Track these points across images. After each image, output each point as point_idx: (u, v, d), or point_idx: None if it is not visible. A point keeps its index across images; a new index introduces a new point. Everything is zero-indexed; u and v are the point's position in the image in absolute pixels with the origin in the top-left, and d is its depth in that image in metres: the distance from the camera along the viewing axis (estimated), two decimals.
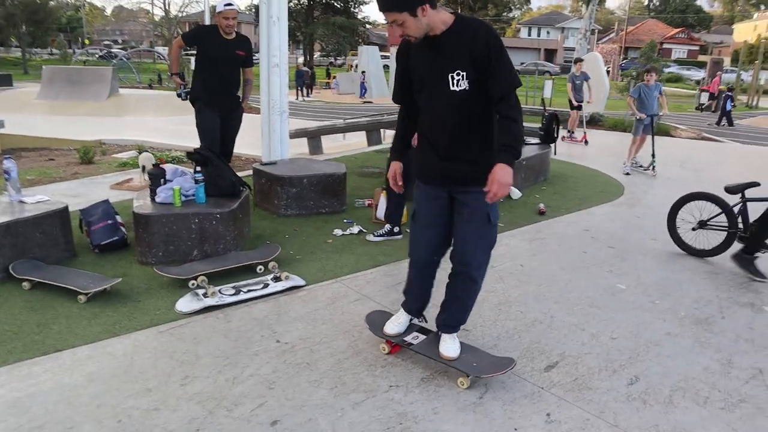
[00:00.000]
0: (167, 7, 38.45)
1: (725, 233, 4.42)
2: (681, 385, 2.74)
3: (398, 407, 2.46)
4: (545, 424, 2.39)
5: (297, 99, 23.50)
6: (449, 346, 2.71)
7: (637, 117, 7.97)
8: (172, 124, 13.14)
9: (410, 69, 2.53)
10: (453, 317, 2.76)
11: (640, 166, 8.18)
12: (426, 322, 2.99)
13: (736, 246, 4.34)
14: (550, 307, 3.53)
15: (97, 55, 40.44)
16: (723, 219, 4.46)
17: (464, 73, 2.34)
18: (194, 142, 5.20)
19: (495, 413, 2.45)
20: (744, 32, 58.01)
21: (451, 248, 2.65)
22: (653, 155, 7.94)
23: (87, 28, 57.91)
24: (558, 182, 7.06)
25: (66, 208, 3.99)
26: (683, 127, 14.70)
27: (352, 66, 34.16)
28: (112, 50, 42.99)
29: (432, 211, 2.63)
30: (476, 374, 2.60)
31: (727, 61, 39.59)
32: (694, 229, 4.65)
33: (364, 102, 23.16)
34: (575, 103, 11.09)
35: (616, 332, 3.23)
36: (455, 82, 2.35)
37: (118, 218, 4.22)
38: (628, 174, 7.87)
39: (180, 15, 39.90)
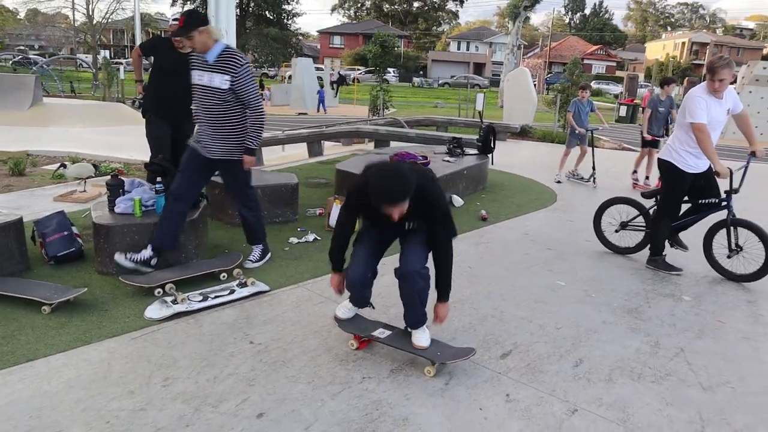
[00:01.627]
0: (90, 13, 36.84)
1: (643, 232, 4.93)
2: (618, 364, 3.10)
3: (373, 396, 2.67)
4: (506, 403, 2.67)
5: None
6: (421, 336, 2.99)
7: (576, 131, 8.41)
8: (102, 135, 12.79)
9: (365, 214, 3.00)
10: (412, 316, 3.01)
11: (582, 178, 8.55)
12: (374, 308, 3.29)
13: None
14: (500, 304, 3.85)
15: (11, 61, 38.22)
16: (641, 220, 4.98)
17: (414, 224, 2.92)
18: (129, 153, 5.22)
19: (461, 396, 2.70)
20: (654, 50, 62.57)
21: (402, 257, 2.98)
22: (593, 167, 8.37)
23: None
24: (496, 190, 7.50)
25: (20, 220, 3.94)
26: (605, 138, 15.76)
27: (285, 77, 34.10)
28: (29, 56, 40.77)
29: (376, 233, 3.06)
30: (441, 361, 2.86)
31: (641, 77, 42.48)
32: (617, 230, 5.14)
33: (299, 114, 23.22)
34: (649, 138, 8.31)
35: (560, 323, 3.59)
36: (409, 226, 2.92)
37: (74, 229, 4.19)
38: (559, 182, 8.43)
39: (105, 21, 38.48)
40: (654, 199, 4.83)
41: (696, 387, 2.94)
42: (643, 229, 4.95)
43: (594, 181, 8.36)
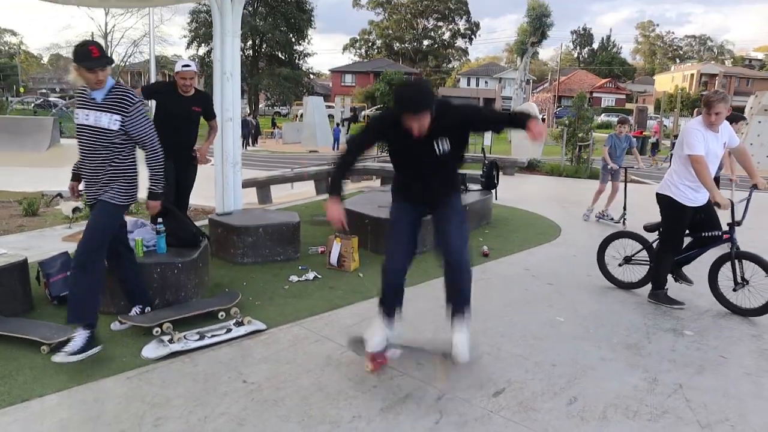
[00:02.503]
0: (109, 57, 38.11)
1: (647, 266, 4.90)
2: (614, 402, 3.06)
3: None
4: None
5: (242, 149, 23.71)
6: (464, 346, 3.10)
7: (609, 167, 8.01)
8: None
9: (392, 140, 3.12)
10: (455, 302, 3.18)
11: (611, 219, 8.10)
12: (401, 317, 3.39)
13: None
14: (497, 341, 3.83)
15: (33, 104, 39.42)
16: (644, 254, 4.95)
17: (447, 141, 3.05)
18: (141, 194, 5.33)
19: None
20: (663, 83, 62.87)
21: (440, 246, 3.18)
22: (624, 207, 7.91)
23: (22, 76, 56.44)
24: (500, 226, 7.52)
25: (25, 261, 4.04)
26: None
27: (297, 116, 34.76)
28: (50, 99, 42.03)
29: (407, 222, 3.23)
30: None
31: (651, 109, 42.64)
32: (620, 265, 5.11)
33: (310, 151, 23.57)
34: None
35: (556, 360, 3.56)
36: (440, 148, 3.03)
37: None
38: (586, 220, 8.17)
39: (123, 65, 39.68)
40: (657, 232, 4.82)
41: (694, 425, 2.89)
42: (647, 263, 4.92)
43: (624, 222, 7.85)
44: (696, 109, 40.16)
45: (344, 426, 2.73)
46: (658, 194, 4.61)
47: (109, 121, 3.43)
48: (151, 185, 3.69)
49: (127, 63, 40.28)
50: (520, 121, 3.03)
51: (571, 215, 8.53)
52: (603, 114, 46.39)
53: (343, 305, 4.42)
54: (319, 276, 5.08)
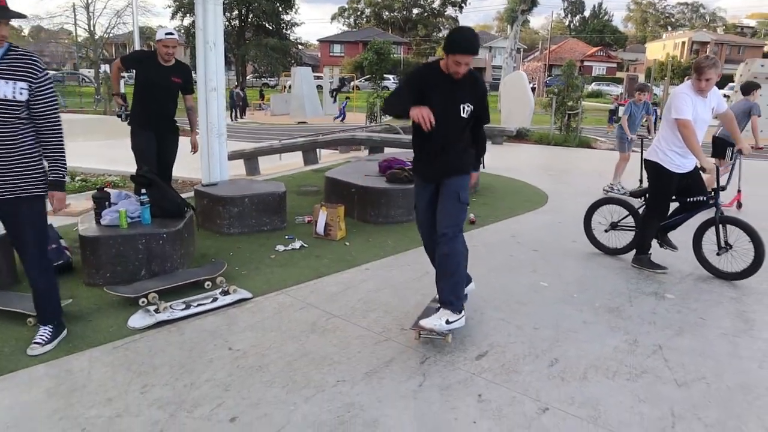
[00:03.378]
0: (92, 29, 37.21)
1: (633, 232, 4.95)
2: (594, 363, 3.13)
3: (346, 398, 2.71)
4: (477, 403, 2.71)
5: (231, 121, 23.45)
6: (431, 316, 3.25)
7: (628, 137, 7.89)
8: (104, 149, 12.92)
9: (427, 93, 3.18)
10: (444, 291, 3.28)
11: (624, 190, 7.77)
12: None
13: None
14: (480, 305, 3.88)
15: None
16: (630, 220, 5.00)
17: (471, 106, 3.26)
18: (129, 166, 5.28)
19: (433, 398, 2.74)
20: (655, 51, 62.46)
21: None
22: (641, 180, 7.63)
23: None
24: (487, 194, 7.53)
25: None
26: (602, 139, 15.79)
27: (285, 87, 34.32)
28: None
29: (428, 199, 3.45)
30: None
31: (641, 77, 42.45)
32: (606, 231, 5.17)
33: (299, 123, 23.37)
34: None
35: (538, 323, 3.62)
36: (465, 111, 3.23)
37: (63, 242, 4.27)
38: (608, 191, 7.91)
39: (106, 36, 38.83)
40: (642, 198, 4.85)
41: (671, 383, 2.96)
42: (633, 229, 4.97)
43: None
44: (687, 77, 40.08)
45: (328, 390, 2.78)
46: (646, 160, 4.62)
47: (14, 90, 2.81)
48: (57, 172, 3.03)
49: (111, 35, 39.34)
50: (478, 158, 3.65)
51: (559, 183, 8.57)
52: (593, 83, 46.18)
53: (328, 273, 4.44)
54: (306, 245, 5.10)
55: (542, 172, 9.21)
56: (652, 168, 4.55)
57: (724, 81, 30.10)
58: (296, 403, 2.66)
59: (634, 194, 4.89)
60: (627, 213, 5.04)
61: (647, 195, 4.71)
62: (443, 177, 3.33)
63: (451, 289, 3.25)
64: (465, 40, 3.08)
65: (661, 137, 4.51)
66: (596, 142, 14.77)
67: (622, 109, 24.62)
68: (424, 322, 3.19)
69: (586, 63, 58.07)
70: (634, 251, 4.83)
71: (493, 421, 2.57)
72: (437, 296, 3.39)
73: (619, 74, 55.21)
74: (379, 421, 2.54)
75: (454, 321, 3.20)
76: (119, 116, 5.18)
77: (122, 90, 5.44)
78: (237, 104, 25.03)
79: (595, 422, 2.60)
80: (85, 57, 42.02)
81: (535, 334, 3.47)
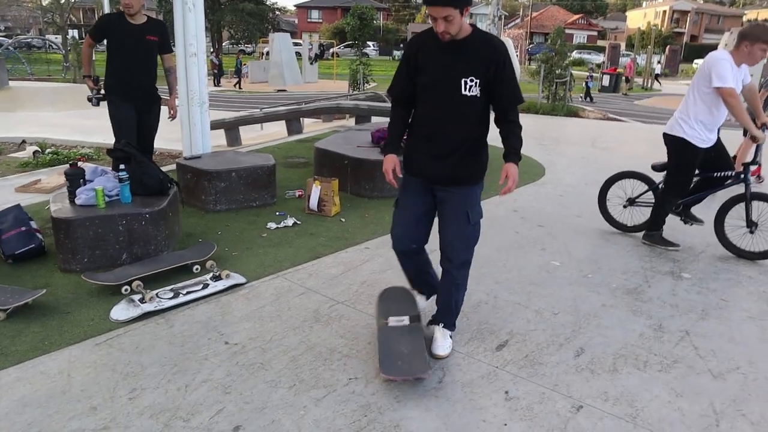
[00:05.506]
0: None
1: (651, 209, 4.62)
2: (622, 352, 2.91)
3: (361, 399, 2.44)
4: (505, 401, 2.46)
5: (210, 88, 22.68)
6: (440, 345, 2.80)
7: None
8: (75, 119, 12.27)
9: (419, 67, 2.55)
10: (443, 313, 2.86)
11: None
12: (427, 298, 3.16)
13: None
14: (492, 288, 3.63)
15: None
16: (650, 195, 4.68)
17: (477, 81, 2.45)
18: (102, 137, 4.86)
19: (456, 396, 2.49)
20: (636, 19, 62.20)
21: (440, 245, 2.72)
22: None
23: None
24: (495, 169, 7.23)
25: None
26: (590, 108, 15.56)
27: (262, 54, 33.31)
28: None
29: (415, 201, 2.70)
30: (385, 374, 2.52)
31: (623, 46, 42.22)
32: (624, 206, 4.84)
33: (278, 90, 22.70)
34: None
35: (557, 307, 3.38)
36: (467, 87, 2.46)
37: (33, 224, 3.88)
38: None
39: (73, 0, 37.09)
40: (664, 172, 4.54)
41: (706, 374, 2.75)
42: (653, 205, 4.62)
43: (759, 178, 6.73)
44: (668, 46, 39.89)
45: (340, 390, 2.50)
46: (666, 135, 4.30)
47: None
48: None
49: None
50: (510, 148, 2.61)
51: (553, 153, 8.31)
52: (575, 51, 45.80)
53: (326, 253, 4.14)
54: (299, 222, 4.78)
55: (534, 142, 8.93)
56: (677, 144, 4.20)
57: (705, 50, 30.11)
58: (306, 407, 2.38)
59: (656, 168, 4.58)
60: (646, 188, 4.71)
61: (668, 171, 4.44)
62: (442, 182, 2.63)
63: (456, 311, 2.87)
64: None
65: (688, 109, 4.14)
66: (584, 111, 14.53)
67: (606, 78, 24.41)
68: (442, 353, 2.80)
69: (567, 30, 57.43)
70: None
71: (525, 422, 2.33)
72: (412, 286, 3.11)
73: (600, 42, 54.93)
74: (401, 425, 2.28)
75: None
76: (90, 100, 4.69)
77: (94, 73, 4.89)
78: (213, 72, 24.22)
79: (633, 421, 2.38)
80: (51, 22, 40.18)
81: (555, 320, 3.23)
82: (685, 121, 4.15)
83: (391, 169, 2.69)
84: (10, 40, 31.43)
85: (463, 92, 2.47)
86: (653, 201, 4.64)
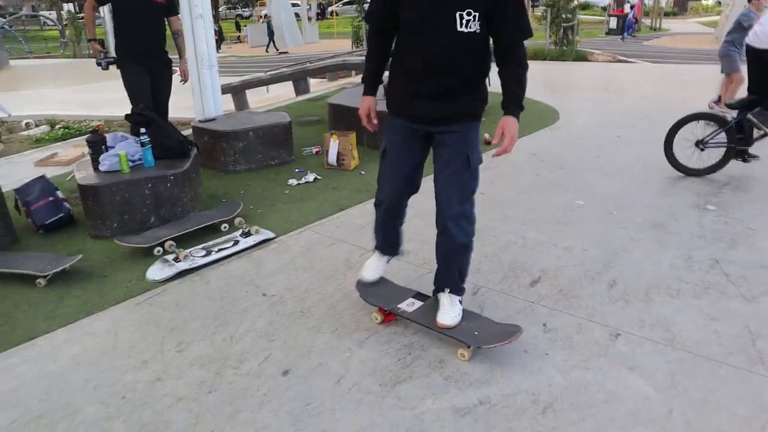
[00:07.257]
0: None
1: (724, 149, 4.50)
2: (654, 282, 2.93)
3: (403, 339, 2.50)
4: (544, 333, 2.51)
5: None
6: (446, 312, 2.43)
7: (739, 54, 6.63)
8: (79, 94, 12.20)
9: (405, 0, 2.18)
10: (443, 278, 2.52)
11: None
12: (403, 255, 2.81)
13: (733, 162, 4.53)
14: (520, 228, 3.64)
15: None
16: (723, 137, 4.52)
17: (476, 14, 2.09)
18: (108, 110, 4.83)
19: None
20: None
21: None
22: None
23: None
24: (496, 113, 7.11)
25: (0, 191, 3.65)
26: (599, 51, 15.23)
27: (261, 17, 32.65)
28: None
29: (404, 148, 2.40)
30: (478, 345, 2.32)
31: None
32: (700, 149, 4.61)
33: (280, 53, 22.36)
34: None
35: (585, 244, 3.40)
36: (464, 22, 2.09)
37: (59, 194, 3.91)
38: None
39: None
40: (739, 109, 4.45)
41: (738, 298, 2.78)
42: (725, 145, 4.48)
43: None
44: None
45: (382, 332, 2.56)
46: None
47: None
48: None
49: None
50: (510, 95, 2.25)
51: (565, 99, 8.19)
52: None
53: (350, 205, 4.16)
54: (319, 177, 4.79)
55: (545, 88, 8.79)
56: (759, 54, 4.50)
57: None
58: (351, 349, 2.44)
59: (731, 106, 4.46)
60: (717, 128, 4.54)
61: (754, 87, 4.53)
62: (436, 123, 2.30)
63: (462, 274, 2.50)
64: None
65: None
66: (593, 55, 14.23)
67: (614, 20, 23.76)
68: (449, 322, 2.44)
69: None
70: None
71: (566, 351, 2.38)
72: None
73: None
74: (446, 360, 2.34)
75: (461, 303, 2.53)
76: (99, 64, 4.62)
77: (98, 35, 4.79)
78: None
79: (671, 344, 2.42)
80: None
81: (585, 255, 3.25)
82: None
83: (365, 114, 2.44)
84: (4, 20, 31.05)
85: (459, 28, 2.09)
86: (726, 142, 4.48)
